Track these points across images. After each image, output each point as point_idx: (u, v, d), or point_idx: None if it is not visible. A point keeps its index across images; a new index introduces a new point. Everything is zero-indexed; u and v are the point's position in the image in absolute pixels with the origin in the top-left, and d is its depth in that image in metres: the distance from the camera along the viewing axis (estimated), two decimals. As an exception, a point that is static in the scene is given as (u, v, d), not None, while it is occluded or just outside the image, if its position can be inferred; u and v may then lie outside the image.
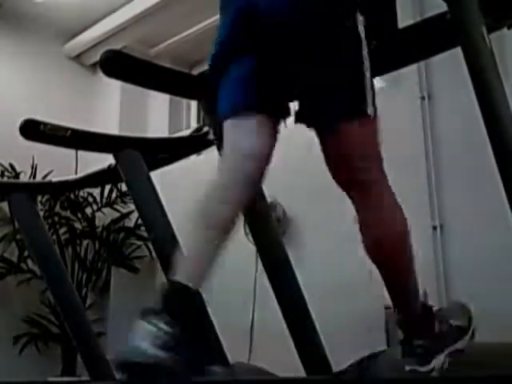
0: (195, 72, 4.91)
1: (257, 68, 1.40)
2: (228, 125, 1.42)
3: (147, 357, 1.18)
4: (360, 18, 1.37)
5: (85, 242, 4.38)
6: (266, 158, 1.41)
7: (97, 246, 4.37)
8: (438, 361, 1.40)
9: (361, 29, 1.37)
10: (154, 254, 3.46)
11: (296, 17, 1.35)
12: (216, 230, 1.35)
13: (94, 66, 4.97)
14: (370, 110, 1.34)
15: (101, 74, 1.73)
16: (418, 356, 1.43)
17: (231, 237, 1.38)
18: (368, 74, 1.36)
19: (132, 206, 3.75)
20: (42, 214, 3.46)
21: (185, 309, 1.27)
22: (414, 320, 1.46)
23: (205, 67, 5.42)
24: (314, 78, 1.37)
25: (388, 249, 1.39)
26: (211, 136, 1.97)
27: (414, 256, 1.41)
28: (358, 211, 1.41)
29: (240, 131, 1.41)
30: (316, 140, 1.43)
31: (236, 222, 1.39)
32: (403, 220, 1.40)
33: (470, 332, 1.49)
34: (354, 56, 1.36)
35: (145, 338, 1.21)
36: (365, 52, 1.36)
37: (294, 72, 1.38)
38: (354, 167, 1.37)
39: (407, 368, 1.41)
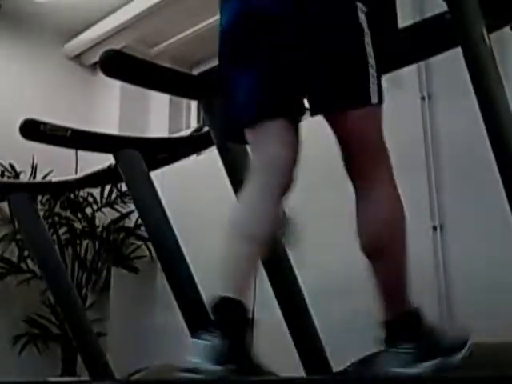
0: (195, 72, 4.91)
1: (266, 71, 1.39)
2: (250, 133, 1.42)
3: (202, 373, 1.21)
4: (360, 6, 1.37)
5: (85, 242, 4.38)
6: (295, 163, 1.42)
7: (97, 246, 4.37)
8: (426, 366, 1.34)
9: (361, 17, 1.36)
10: (154, 253, 3.47)
11: (291, 8, 1.36)
12: (254, 243, 1.38)
13: (94, 65, 4.97)
14: (373, 99, 1.34)
15: (101, 74, 1.73)
16: (404, 359, 1.36)
17: (268, 248, 1.43)
18: (372, 62, 1.35)
19: (132, 206, 3.75)
20: (42, 214, 3.46)
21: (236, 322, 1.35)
22: (402, 321, 1.40)
23: (205, 67, 5.39)
24: (317, 67, 1.36)
25: (386, 238, 1.38)
26: (214, 139, 1.96)
27: (406, 252, 1.39)
28: (357, 202, 1.41)
29: (265, 139, 1.40)
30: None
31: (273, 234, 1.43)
32: (401, 211, 1.40)
33: (465, 351, 1.42)
34: (354, 43, 1.36)
35: (199, 353, 1.25)
36: (367, 39, 1.36)
37: (299, 65, 1.38)
38: (354, 155, 1.38)
39: (391, 370, 1.35)
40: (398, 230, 1.38)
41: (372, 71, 1.35)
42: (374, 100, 1.34)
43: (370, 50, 1.36)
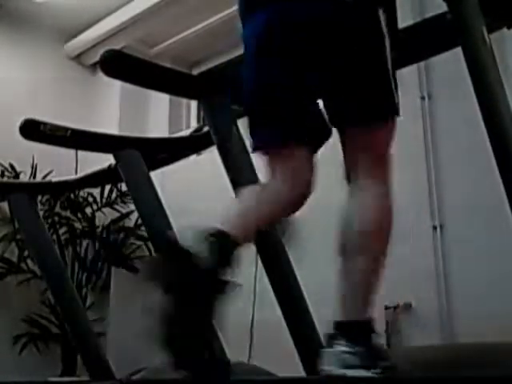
0: (195, 72, 4.92)
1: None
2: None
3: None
4: (381, 12, 1.35)
5: (85, 242, 4.38)
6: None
7: (97, 246, 4.37)
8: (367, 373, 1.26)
9: (383, 25, 1.35)
10: (154, 254, 3.46)
11: (316, 21, 1.33)
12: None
13: (94, 66, 4.97)
14: (399, 111, 1.36)
15: (101, 74, 1.73)
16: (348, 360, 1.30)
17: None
18: (391, 69, 1.34)
19: (132, 206, 3.75)
20: (41, 214, 3.46)
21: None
22: (361, 324, 1.33)
23: (205, 67, 5.38)
24: (340, 81, 1.35)
25: (370, 235, 1.32)
26: (214, 139, 1.93)
27: (383, 259, 1.34)
28: (348, 199, 1.39)
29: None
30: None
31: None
32: (390, 213, 1.34)
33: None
34: (378, 54, 1.34)
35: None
36: (388, 49, 1.34)
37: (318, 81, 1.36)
38: (364, 161, 1.37)
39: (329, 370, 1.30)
40: (383, 231, 1.33)
41: (393, 80, 1.35)
42: (399, 112, 1.36)
43: (389, 57, 1.34)
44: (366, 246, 1.32)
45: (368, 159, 1.37)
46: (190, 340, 1.20)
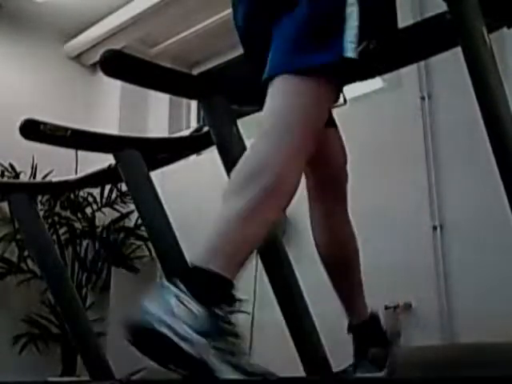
0: (195, 72, 4.92)
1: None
2: None
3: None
4: None
5: (85, 242, 4.38)
6: None
7: (97, 245, 4.37)
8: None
9: None
10: (153, 253, 3.47)
11: None
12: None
13: (94, 65, 4.98)
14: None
15: (101, 74, 1.73)
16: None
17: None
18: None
19: (132, 206, 3.75)
20: (42, 213, 3.46)
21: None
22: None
23: (205, 67, 5.39)
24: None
25: None
26: (214, 139, 1.93)
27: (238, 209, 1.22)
28: None
29: None
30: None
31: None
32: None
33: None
34: None
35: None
36: None
37: None
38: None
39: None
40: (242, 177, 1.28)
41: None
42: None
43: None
44: (231, 193, 1.24)
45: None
46: None
